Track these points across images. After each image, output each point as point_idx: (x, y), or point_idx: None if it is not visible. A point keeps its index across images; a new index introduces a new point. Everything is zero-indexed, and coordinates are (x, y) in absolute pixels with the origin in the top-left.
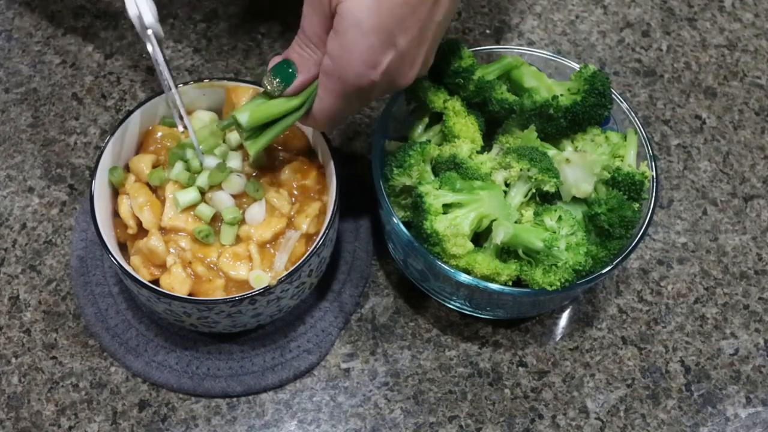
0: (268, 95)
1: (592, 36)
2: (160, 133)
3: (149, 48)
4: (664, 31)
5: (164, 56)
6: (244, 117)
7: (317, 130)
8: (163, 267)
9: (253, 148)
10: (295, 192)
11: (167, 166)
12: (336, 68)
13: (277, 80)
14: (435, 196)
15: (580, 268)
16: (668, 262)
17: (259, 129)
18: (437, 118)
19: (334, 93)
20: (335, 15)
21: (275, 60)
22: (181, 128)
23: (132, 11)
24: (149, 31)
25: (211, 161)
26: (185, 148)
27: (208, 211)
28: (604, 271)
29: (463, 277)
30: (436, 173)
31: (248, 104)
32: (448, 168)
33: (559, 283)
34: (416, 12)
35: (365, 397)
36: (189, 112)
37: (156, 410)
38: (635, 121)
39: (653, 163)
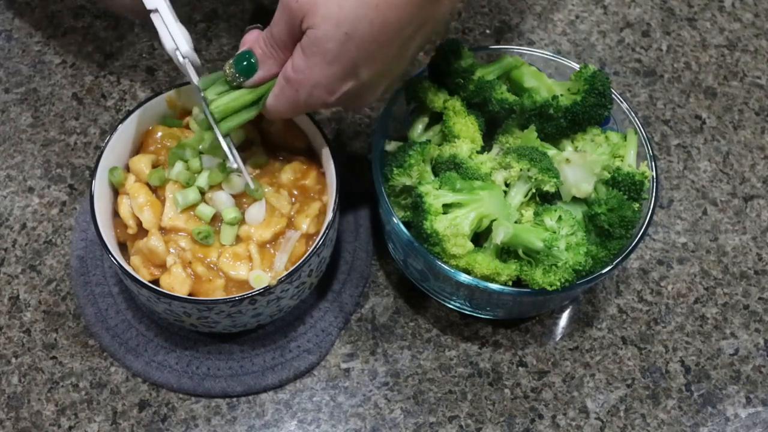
0: (228, 81)
1: (592, 36)
2: (160, 133)
3: (190, 77)
4: (664, 31)
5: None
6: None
7: (268, 118)
8: (163, 267)
9: (211, 136)
10: (295, 192)
11: (167, 166)
12: (295, 80)
13: (237, 71)
14: (435, 196)
15: (580, 268)
16: (668, 262)
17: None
18: (437, 118)
19: (289, 99)
20: (304, 35)
21: (251, 35)
22: (234, 165)
23: (169, 45)
24: (186, 60)
25: (211, 161)
26: (185, 148)
27: (208, 211)
28: (604, 271)
29: (463, 277)
30: (436, 173)
31: (210, 90)
32: (448, 168)
33: (559, 283)
34: (385, 48)
35: (365, 397)
36: (188, 113)
37: (156, 410)
38: (635, 121)
39: (653, 163)
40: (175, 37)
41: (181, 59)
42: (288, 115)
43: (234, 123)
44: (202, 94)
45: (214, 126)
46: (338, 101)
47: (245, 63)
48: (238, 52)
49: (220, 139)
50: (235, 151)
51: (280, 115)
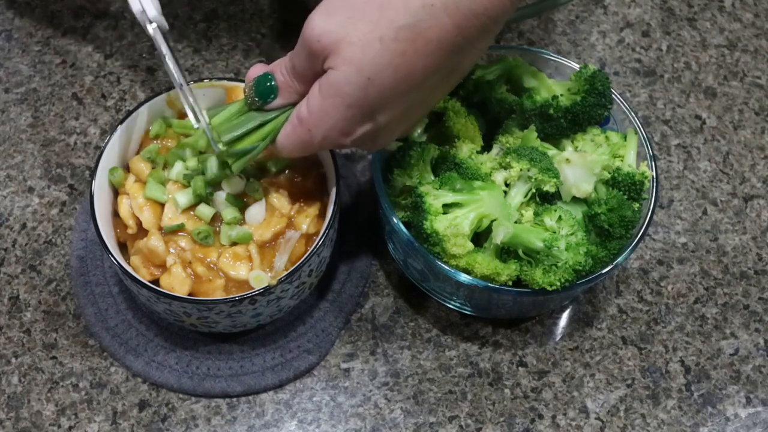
0: (247, 103)
1: (592, 36)
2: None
3: (157, 43)
4: (664, 31)
5: (171, 49)
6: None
7: (279, 155)
8: (163, 267)
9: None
10: (295, 192)
11: (167, 166)
12: (309, 121)
13: (256, 93)
14: (435, 196)
15: (580, 268)
16: (668, 262)
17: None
18: (437, 118)
19: (300, 139)
20: (324, 74)
21: (257, 69)
22: (195, 125)
23: (135, 6)
24: (153, 25)
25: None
26: (185, 148)
27: (208, 211)
28: (604, 271)
29: (463, 277)
30: (436, 173)
31: (225, 125)
32: (448, 168)
33: (559, 283)
34: (407, 95)
35: (365, 397)
36: None
37: (156, 410)
38: (635, 121)
39: (653, 163)
40: (142, 0)
41: (147, 24)
42: (299, 154)
43: (241, 162)
44: (184, 85)
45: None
46: (354, 143)
47: (266, 86)
48: (253, 78)
49: (191, 99)
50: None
51: (291, 153)
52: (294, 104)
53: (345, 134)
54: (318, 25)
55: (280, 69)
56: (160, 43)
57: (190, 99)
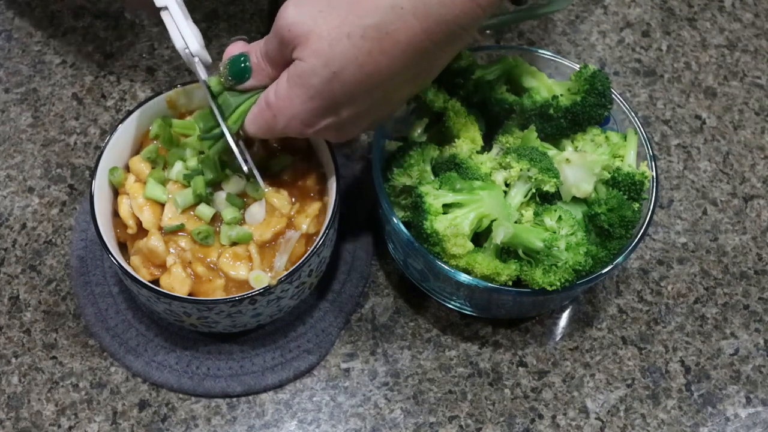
0: (221, 82)
1: (592, 36)
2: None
3: (199, 77)
4: (664, 31)
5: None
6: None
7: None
8: (163, 267)
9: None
10: (295, 192)
11: (167, 166)
12: (275, 107)
13: (230, 73)
14: (435, 196)
15: (580, 268)
16: (668, 262)
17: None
18: (437, 118)
19: (266, 122)
20: (292, 63)
21: (236, 47)
22: (245, 168)
23: (179, 44)
24: (196, 59)
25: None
26: (185, 148)
27: (208, 211)
28: (604, 271)
29: (463, 277)
30: (436, 173)
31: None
32: (448, 168)
33: (559, 283)
34: (371, 93)
35: (365, 397)
36: (189, 112)
37: (156, 410)
38: (635, 121)
39: (653, 163)
40: (184, 35)
41: (196, 61)
42: (263, 136)
43: (218, 146)
44: (211, 89)
45: (224, 127)
46: (316, 134)
47: (240, 66)
48: (229, 57)
49: (230, 141)
50: (247, 154)
51: (255, 135)
52: (266, 87)
53: (307, 125)
54: (290, 14)
55: (255, 52)
56: (202, 76)
57: (229, 137)
